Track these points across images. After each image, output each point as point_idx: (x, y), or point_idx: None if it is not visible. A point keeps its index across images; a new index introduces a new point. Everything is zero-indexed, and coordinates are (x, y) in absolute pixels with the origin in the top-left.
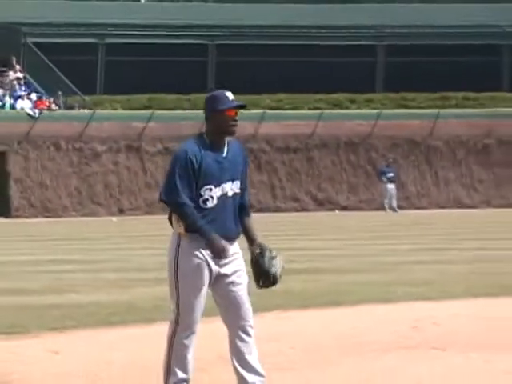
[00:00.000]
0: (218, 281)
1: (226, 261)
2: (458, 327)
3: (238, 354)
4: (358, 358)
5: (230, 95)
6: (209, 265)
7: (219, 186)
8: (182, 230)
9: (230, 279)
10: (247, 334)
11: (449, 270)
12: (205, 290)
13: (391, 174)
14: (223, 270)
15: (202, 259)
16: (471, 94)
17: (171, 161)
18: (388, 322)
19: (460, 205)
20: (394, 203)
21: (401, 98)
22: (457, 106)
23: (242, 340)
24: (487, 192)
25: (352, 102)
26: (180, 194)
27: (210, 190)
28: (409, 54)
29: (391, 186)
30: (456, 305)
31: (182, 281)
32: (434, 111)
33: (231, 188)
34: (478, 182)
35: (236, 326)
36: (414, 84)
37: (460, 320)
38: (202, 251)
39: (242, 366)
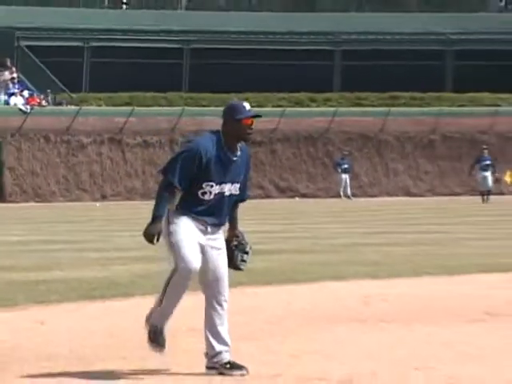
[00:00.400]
0: (203, 254)
1: (212, 236)
2: (404, 303)
3: (210, 324)
4: (314, 329)
5: (247, 105)
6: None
7: (220, 184)
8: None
9: (213, 254)
10: (221, 306)
11: (396, 251)
12: (197, 239)
13: (346, 166)
14: (209, 243)
15: (192, 224)
16: (418, 94)
17: (184, 147)
18: (340, 297)
19: (407, 193)
20: (349, 191)
21: (355, 97)
22: (405, 105)
23: (217, 311)
24: (432, 182)
25: (312, 100)
26: (173, 175)
27: (211, 186)
28: (363, 58)
29: (345, 176)
30: (402, 283)
31: (174, 232)
32: (385, 109)
33: (229, 189)
34: (424, 173)
35: (213, 298)
36: (367, 85)
37: (405, 297)
38: (194, 222)
39: (212, 335)
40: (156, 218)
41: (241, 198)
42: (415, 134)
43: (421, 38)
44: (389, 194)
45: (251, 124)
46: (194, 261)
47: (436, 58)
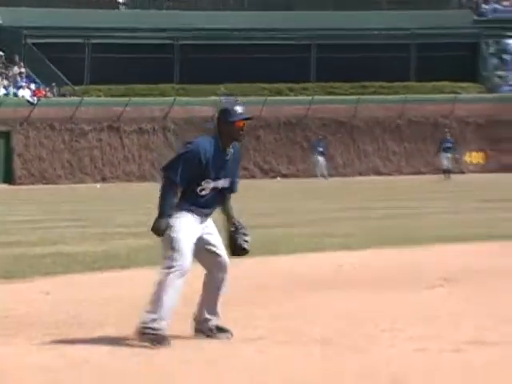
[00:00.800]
0: (202, 239)
1: (205, 224)
2: (373, 271)
3: (207, 294)
4: (293, 296)
5: (239, 109)
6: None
7: (215, 180)
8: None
9: (210, 238)
10: (222, 282)
11: (367, 224)
12: (195, 236)
13: (321, 149)
14: (205, 230)
15: (192, 218)
16: (386, 84)
17: (185, 147)
18: (317, 267)
19: (377, 173)
20: (325, 172)
21: (330, 86)
22: (375, 93)
23: (216, 286)
24: (399, 163)
25: (290, 90)
26: (176, 173)
27: (208, 182)
28: (336, 51)
29: (321, 158)
30: (372, 253)
31: (174, 226)
32: (356, 97)
33: (222, 184)
34: (392, 154)
35: (217, 274)
36: (340, 75)
37: (374, 265)
38: (192, 214)
39: (205, 304)
40: (163, 214)
41: (231, 190)
42: (384, 119)
43: (388, 32)
44: (361, 174)
45: (243, 126)
46: (190, 260)
47: (402, 51)
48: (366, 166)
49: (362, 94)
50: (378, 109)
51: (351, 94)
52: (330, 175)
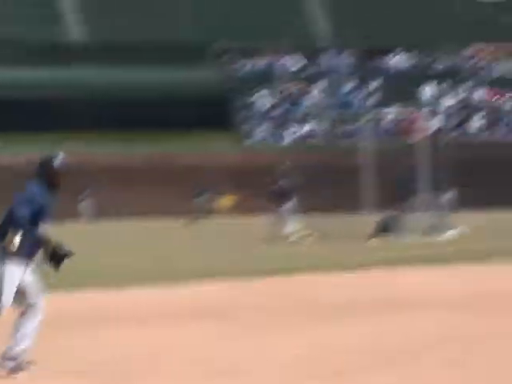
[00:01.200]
0: (23, 284)
1: (29, 270)
2: (134, 307)
3: (24, 329)
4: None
5: (60, 157)
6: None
7: (40, 225)
8: (13, 248)
9: (27, 284)
10: (37, 315)
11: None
12: (16, 282)
13: (87, 194)
14: (26, 275)
15: (17, 266)
16: (157, 135)
17: (23, 196)
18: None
19: (145, 214)
20: (89, 212)
21: (103, 135)
22: (150, 142)
23: (32, 320)
24: (162, 206)
25: (78, 138)
26: (26, 220)
27: (38, 227)
28: (109, 104)
29: (87, 204)
30: (134, 292)
31: (5, 274)
32: (124, 146)
33: (45, 228)
34: (155, 198)
35: (32, 309)
36: (113, 125)
37: (134, 302)
38: (20, 265)
39: (22, 338)
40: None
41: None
42: (151, 167)
43: (147, 88)
44: (130, 216)
45: (64, 173)
46: (8, 304)
47: (168, 104)
48: (134, 209)
49: (132, 141)
50: (146, 157)
51: (121, 141)
52: (99, 218)
